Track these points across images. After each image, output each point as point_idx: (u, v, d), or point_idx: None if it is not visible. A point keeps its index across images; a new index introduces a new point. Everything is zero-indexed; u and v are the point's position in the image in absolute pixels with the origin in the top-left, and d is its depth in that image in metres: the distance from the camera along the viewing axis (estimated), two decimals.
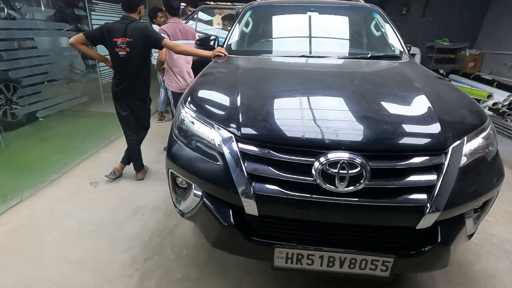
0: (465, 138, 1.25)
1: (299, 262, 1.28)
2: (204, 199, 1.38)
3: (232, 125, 1.29)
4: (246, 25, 2.68)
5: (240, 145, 1.25)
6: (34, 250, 1.98)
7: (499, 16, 5.35)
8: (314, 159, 1.16)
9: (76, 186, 2.78)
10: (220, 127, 1.32)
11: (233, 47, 2.46)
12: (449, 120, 1.29)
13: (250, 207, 1.22)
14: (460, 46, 5.64)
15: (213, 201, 1.36)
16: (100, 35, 2.49)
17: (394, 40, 2.45)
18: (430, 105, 1.35)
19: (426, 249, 1.23)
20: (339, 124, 1.22)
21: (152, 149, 3.58)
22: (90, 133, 3.85)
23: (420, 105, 1.37)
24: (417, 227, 1.19)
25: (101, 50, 2.74)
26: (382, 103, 1.37)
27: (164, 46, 2.55)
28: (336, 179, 1.13)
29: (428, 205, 1.15)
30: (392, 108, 1.34)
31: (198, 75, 1.92)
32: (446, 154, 1.19)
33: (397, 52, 2.33)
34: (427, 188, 1.16)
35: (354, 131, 1.20)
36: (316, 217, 1.23)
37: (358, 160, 1.12)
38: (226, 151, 1.26)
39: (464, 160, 1.21)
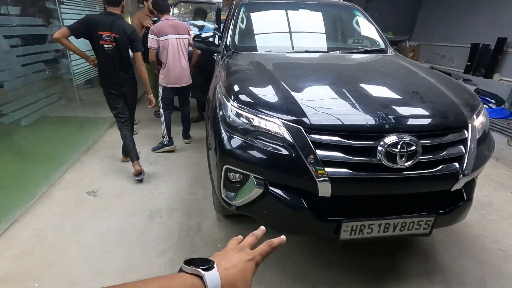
0: (475, 116, 1.59)
1: (361, 232, 1.49)
2: (271, 188, 1.48)
3: (300, 118, 1.41)
4: (242, 21, 2.74)
5: (311, 135, 1.38)
6: (60, 271, 1.82)
7: (429, 11, 6.28)
8: (377, 142, 1.36)
9: (73, 198, 2.55)
10: (285, 121, 1.43)
11: (238, 43, 2.51)
12: (462, 102, 1.61)
13: (324, 189, 1.38)
14: (402, 39, 6.48)
15: (280, 189, 1.48)
16: (84, 27, 2.45)
17: (377, 35, 2.79)
18: (444, 92, 1.67)
19: (458, 206, 1.55)
20: (392, 111, 1.44)
21: (141, 150, 3.42)
22: (67, 140, 3.48)
23: (438, 92, 1.68)
24: (452, 189, 1.49)
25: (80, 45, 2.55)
26: (411, 92, 1.64)
27: (135, 56, 2.67)
28: (397, 157, 1.35)
29: (460, 171, 1.45)
30: (422, 96, 1.61)
31: (223, 73, 1.95)
32: (467, 130, 1.51)
33: (383, 46, 2.68)
34: (458, 158, 1.47)
35: (406, 116, 1.43)
36: (380, 191, 1.45)
37: (414, 139, 1.35)
38: (297, 142, 1.38)
39: (478, 133, 1.55)
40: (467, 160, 1.46)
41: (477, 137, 1.53)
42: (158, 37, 3.00)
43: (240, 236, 0.58)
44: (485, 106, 4.02)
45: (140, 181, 2.83)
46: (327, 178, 1.35)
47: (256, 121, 1.49)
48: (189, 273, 0.43)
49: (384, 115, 1.41)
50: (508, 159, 3.49)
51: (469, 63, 5.21)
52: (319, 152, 1.37)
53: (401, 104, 1.51)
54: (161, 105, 3.42)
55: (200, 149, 3.60)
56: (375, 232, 1.51)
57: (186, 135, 3.73)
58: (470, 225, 2.40)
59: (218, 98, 1.72)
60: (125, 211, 2.42)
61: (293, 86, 1.64)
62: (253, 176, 1.51)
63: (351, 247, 2.07)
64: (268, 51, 2.41)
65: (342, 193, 1.43)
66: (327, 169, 1.36)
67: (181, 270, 0.45)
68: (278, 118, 1.45)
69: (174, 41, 3.05)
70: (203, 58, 3.31)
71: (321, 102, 1.51)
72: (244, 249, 0.53)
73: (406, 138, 1.35)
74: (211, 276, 0.43)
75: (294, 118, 1.43)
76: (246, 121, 1.51)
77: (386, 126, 1.37)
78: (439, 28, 5.94)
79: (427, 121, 1.45)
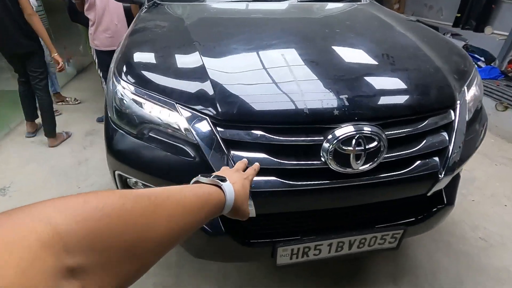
0: (465, 87, 1.13)
1: (306, 255, 1.09)
2: None
3: (206, 103, 0.92)
4: None
5: (221, 129, 0.91)
6: None
7: None
8: (322, 137, 0.90)
9: None
10: (185, 108, 0.93)
11: None
12: (449, 68, 1.14)
13: None
14: None
15: None
16: None
17: None
18: (426, 53, 1.18)
19: (434, 212, 1.15)
20: (347, 87, 0.95)
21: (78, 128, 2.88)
22: None
23: (418, 54, 1.18)
24: (429, 194, 1.08)
25: None
26: (380, 55, 1.14)
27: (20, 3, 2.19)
28: (351, 158, 0.90)
29: (441, 169, 1.03)
30: (394, 61, 1.12)
31: (128, 31, 1.39)
32: (454, 110, 1.06)
33: None
34: (440, 151, 1.03)
35: (364, 95, 0.95)
36: (327, 204, 1.02)
37: (377, 131, 0.90)
38: (200, 139, 0.90)
39: (469, 113, 1.10)
40: (452, 152, 1.03)
41: (467, 118, 1.09)
42: None
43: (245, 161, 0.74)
44: None
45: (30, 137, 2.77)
46: None
47: (147, 107, 0.99)
48: (208, 183, 0.50)
49: (334, 95, 0.93)
50: (494, 125, 3.13)
51: (458, 15, 4.64)
52: (235, 155, 0.91)
53: (363, 75, 1.02)
54: (100, 73, 2.82)
55: None
56: (324, 253, 1.11)
57: None
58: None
59: (110, 75, 1.19)
60: None
61: (210, 52, 1.11)
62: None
63: None
64: (203, 1, 1.80)
65: (273, 210, 1.00)
66: None
67: (196, 182, 0.52)
68: (176, 103, 0.95)
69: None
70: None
71: (244, 78, 1.01)
72: (238, 171, 0.65)
73: (366, 130, 0.89)
74: (227, 186, 0.51)
75: (198, 103, 0.93)
76: (137, 109, 1.01)
77: (336, 112, 0.90)
78: None
79: (397, 100, 0.98)
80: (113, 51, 2.61)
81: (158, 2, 1.74)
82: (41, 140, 2.77)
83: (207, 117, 0.91)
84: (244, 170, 0.68)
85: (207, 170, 0.92)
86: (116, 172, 1.11)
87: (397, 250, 1.20)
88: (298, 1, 1.86)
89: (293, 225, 1.07)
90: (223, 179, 0.51)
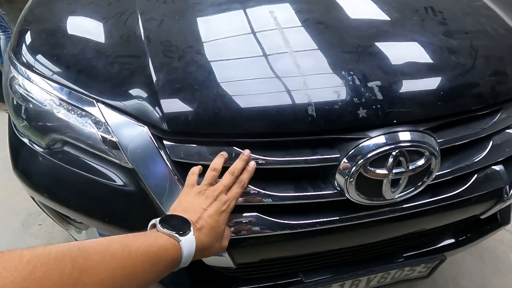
0: None
1: None
2: None
3: (143, 101, 0.55)
4: None
5: (169, 144, 0.54)
6: None
7: None
8: (338, 155, 0.55)
9: None
10: (111, 108, 0.56)
11: None
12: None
13: (218, 260, 0.61)
14: None
15: None
16: None
17: None
18: (492, 7, 0.78)
19: (482, 233, 0.85)
20: (372, 67, 0.57)
21: None
22: None
23: (478, 5, 0.78)
24: (484, 216, 0.76)
25: None
26: (423, 9, 0.73)
27: None
28: (383, 184, 0.56)
29: (509, 184, 0.69)
30: (445, 18, 0.71)
31: None
32: None
33: None
34: (509, 158, 0.69)
35: (407, 80, 0.57)
36: (340, 245, 0.70)
37: (427, 140, 0.54)
38: (135, 162, 0.55)
39: None
40: None
41: None
42: None
43: (216, 167, 0.50)
44: None
45: None
46: None
47: (55, 106, 0.61)
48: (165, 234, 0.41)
49: (356, 82, 0.55)
50: None
51: None
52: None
53: (399, 44, 0.63)
54: None
55: None
56: None
57: None
58: None
59: (5, 57, 0.78)
60: None
61: (154, 13, 0.70)
62: None
63: None
64: None
65: (261, 257, 0.67)
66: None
67: (153, 227, 0.43)
68: (97, 100, 0.57)
69: None
70: None
71: (208, 55, 0.60)
72: (219, 197, 0.48)
73: (410, 139, 0.53)
74: (187, 240, 0.41)
75: (130, 101, 0.55)
76: (41, 107, 0.63)
77: (362, 112, 0.53)
78: None
79: (458, 87, 0.60)
80: None
81: None
82: None
83: (145, 127, 0.54)
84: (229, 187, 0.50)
85: (151, 207, 0.57)
86: (36, 199, 0.77)
87: (427, 279, 0.92)
88: None
89: (292, 266, 0.76)
90: (184, 232, 0.42)
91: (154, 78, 0.56)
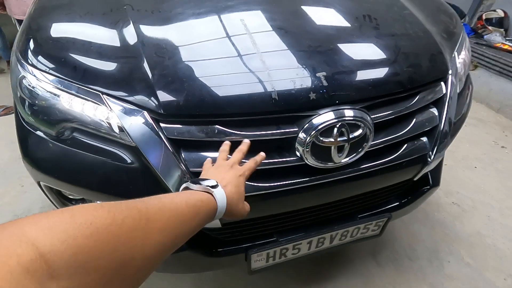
0: (456, 53, 0.98)
1: (283, 256, 0.97)
2: None
3: (142, 92, 0.69)
4: None
5: (165, 126, 0.69)
6: None
7: None
8: (296, 128, 0.72)
9: None
10: (115, 99, 0.70)
11: None
12: (437, 31, 0.97)
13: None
14: None
15: None
16: None
17: None
18: (413, 12, 0.99)
19: (419, 195, 1.06)
20: (321, 62, 0.75)
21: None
22: None
23: (404, 14, 0.99)
24: (416, 179, 0.96)
25: None
26: (362, 17, 0.93)
27: None
28: (332, 150, 0.74)
29: (431, 150, 0.90)
30: (378, 24, 0.92)
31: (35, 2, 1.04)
32: (446, 81, 0.91)
33: None
34: (430, 130, 0.90)
35: (346, 71, 0.76)
36: (305, 204, 0.87)
37: (362, 115, 0.73)
38: (139, 141, 0.69)
39: (460, 83, 0.96)
40: (443, 130, 0.90)
41: (459, 89, 0.95)
42: None
43: (225, 148, 0.64)
44: None
45: None
46: None
47: (65, 100, 0.74)
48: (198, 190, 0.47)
49: (309, 73, 0.73)
50: None
51: None
52: (187, 158, 0.71)
53: (342, 44, 0.82)
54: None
55: None
56: (304, 251, 0.99)
57: None
58: None
59: (13, 58, 0.89)
60: None
61: (147, 20, 0.84)
62: None
63: None
64: None
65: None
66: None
67: (185, 189, 0.49)
68: (103, 93, 0.70)
69: None
70: None
71: (193, 54, 0.76)
72: (234, 166, 0.58)
73: (350, 115, 0.71)
74: (218, 193, 0.48)
75: (132, 92, 0.69)
76: (51, 102, 0.75)
77: (313, 95, 0.70)
78: None
79: (386, 75, 0.79)
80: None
81: None
82: None
83: (145, 111, 0.68)
84: (240, 163, 0.61)
85: (152, 178, 0.72)
86: (42, 183, 0.87)
87: (380, 237, 1.11)
88: None
89: (267, 227, 0.92)
90: (214, 185, 0.48)
91: (150, 74, 0.70)
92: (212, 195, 0.47)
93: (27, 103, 0.79)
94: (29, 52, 0.79)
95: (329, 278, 1.45)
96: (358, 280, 1.47)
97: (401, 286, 1.46)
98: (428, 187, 1.05)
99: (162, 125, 0.69)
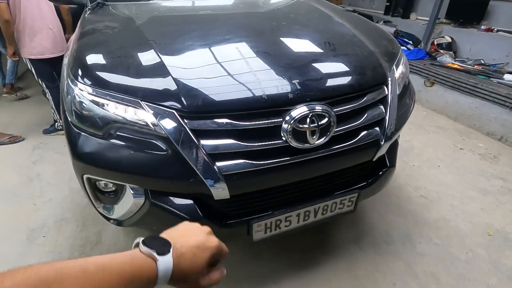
0: (394, 67, 1.33)
1: (278, 227, 1.21)
2: (152, 199, 1.08)
3: (170, 98, 0.97)
4: None
5: (188, 121, 0.97)
6: None
7: None
8: (281, 119, 1.01)
9: None
10: (151, 104, 0.98)
11: None
12: (380, 51, 1.33)
13: (220, 191, 1.02)
14: None
15: (165, 198, 1.08)
16: None
17: None
18: (361, 39, 1.36)
19: (380, 175, 1.35)
20: (298, 73, 1.08)
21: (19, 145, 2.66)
22: None
23: (355, 40, 1.36)
24: (374, 159, 1.26)
25: None
26: (323, 43, 1.29)
27: None
28: (307, 134, 1.03)
29: (382, 136, 1.21)
30: (335, 47, 1.27)
31: (76, 35, 1.35)
32: (387, 85, 1.24)
33: None
34: (379, 121, 1.21)
35: (313, 78, 1.08)
36: (291, 178, 1.14)
37: (326, 109, 1.03)
38: (172, 133, 0.96)
39: (399, 87, 1.30)
40: (389, 121, 1.22)
41: (398, 92, 1.29)
42: None
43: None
44: (403, 48, 4.01)
45: None
46: (220, 177, 0.98)
47: (111, 108, 1.01)
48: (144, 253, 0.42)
49: (287, 81, 1.04)
50: (425, 100, 3.60)
51: (388, 3, 5.15)
52: (205, 143, 0.98)
53: (310, 61, 1.16)
54: (42, 83, 2.65)
55: None
56: (294, 223, 1.24)
57: None
58: (395, 174, 2.37)
59: (64, 78, 1.17)
60: None
61: (167, 50, 1.15)
62: (129, 185, 1.08)
63: None
64: (149, 0, 1.80)
65: (245, 190, 1.10)
66: (219, 164, 0.99)
67: (136, 246, 0.43)
68: (141, 100, 0.99)
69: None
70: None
71: (204, 71, 1.07)
72: (210, 234, 0.50)
73: (317, 108, 1.02)
74: (165, 262, 0.42)
75: (163, 99, 0.98)
76: (100, 110, 1.02)
77: (290, 95, 1.01)
78: None
79: (341, 81, 1.13)
80: (52, 58, 2.50)
81: (102, 2, 1.70)
82: None
83: (174, 111, 0.97)
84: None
85: (178, 160, 0.98)
86: (85, 176, 1.11)
87: (354, 212, 1.38)
88: None
89: (264, 202, 1.18)
90: (163, 252, 0.42)
91: (175, 87, 1.00)
92: (156, 264, 0.41)
93: (79, 113, 1.05)
94: (79, 75, 1.08)
95: (316, 263, 1.67)
96: (342, 264, 1.69)
97: (381, 266, 1.70)
98: (386, 168, 1.34)
99: (185, 120, 0.97)
